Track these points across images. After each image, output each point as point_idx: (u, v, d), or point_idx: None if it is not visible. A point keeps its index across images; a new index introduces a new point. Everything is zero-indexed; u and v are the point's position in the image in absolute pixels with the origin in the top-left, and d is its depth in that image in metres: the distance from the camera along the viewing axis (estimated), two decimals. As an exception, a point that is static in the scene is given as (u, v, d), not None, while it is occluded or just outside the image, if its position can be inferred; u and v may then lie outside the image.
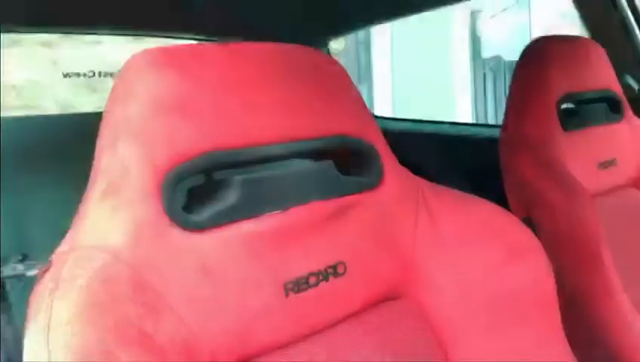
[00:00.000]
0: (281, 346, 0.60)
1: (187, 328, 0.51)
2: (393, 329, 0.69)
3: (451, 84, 6.09)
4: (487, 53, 6.22)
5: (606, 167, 1.22)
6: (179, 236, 0.54)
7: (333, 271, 0.64)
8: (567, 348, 0.73)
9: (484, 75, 6.35)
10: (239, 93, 0.60)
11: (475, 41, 6.37)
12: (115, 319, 0.46)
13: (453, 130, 2.07)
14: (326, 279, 0.64)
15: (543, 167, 1.05)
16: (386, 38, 6.17)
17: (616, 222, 1.20)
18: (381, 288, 0.70)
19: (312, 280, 0.62)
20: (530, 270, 0.74)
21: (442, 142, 1.99)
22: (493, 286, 0.74)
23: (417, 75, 6.02)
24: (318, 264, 0.63)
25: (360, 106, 0.72)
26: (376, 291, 0.70)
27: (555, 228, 1.00)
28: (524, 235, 0.76)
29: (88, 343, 0.43)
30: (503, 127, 1.15)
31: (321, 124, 0.67)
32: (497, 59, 6.15)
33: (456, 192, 0.79)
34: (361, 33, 5.87)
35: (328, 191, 0.66)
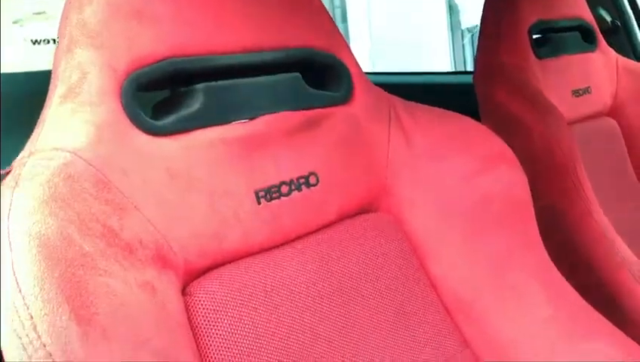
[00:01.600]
0: (255, 253, 0.60)
1: (156, 229, 0.51)
2: (368, 240, 0.69)
3: (429, 55, 6.02)
4: (466, 23, 6.14)
5: (580, 95, 1.22)
6: (142, 140, 0.53)
7: (305, 181, 0.64)
8: (545, 253, 0.74)
9: (463, 46, 6.30)
10: (200, 1, 0.59)
11: (453, 10, 6.28)
12: (78, 213, 0.45)
13: (431, 79, 2.07)
14: (298, 189, 0.63)
15: (518, 92, 1.05)
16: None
17: (591, 150, 1.20)
18: (355, 201, 0.70)
19: (284, 189, 0.62)
20: (504, 178, 0.74)
21: (422, 91, 1.98)
22: (467, 196, 0.74)
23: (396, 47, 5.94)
24: (289, 174, 0.63)
25: (327, 21, 0.71)
26: (351, 204, 0.69)
27: (532, 152, 1.00)
28: (497, 145, 0.76)
29: (49, 231, 0.42)
30: (477, 56, 1.15)
31: (286, 35, 0.66)
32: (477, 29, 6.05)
33: (428, 107, 0.79)
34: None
35: (297, 102, 0.65)
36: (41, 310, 0.38)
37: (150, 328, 0.44)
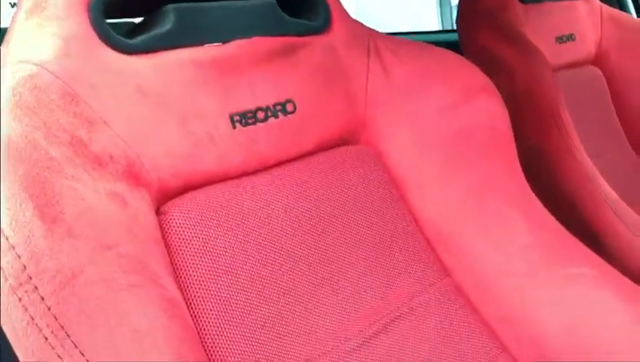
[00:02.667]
0: (231, 177, 0.59)
1: (127, 145, 0.50)
2: (348, 171, 0.68)
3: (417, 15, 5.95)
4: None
5: (564, 42, 1.21)
6: (111, 56, 0.52)
7: (282, 108, 0.63)
8: (525, 183, 0.73)
9: (451, 8, 6.23)
10: None
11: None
12: (44, 121, 0.44)
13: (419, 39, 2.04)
14: (275, 115, 0.62)
15: (501, 32, 1.04)
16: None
17: (575, 97, 1.20)
18: (334, 132, 0.69)
19: (260, 115, 0.61)
20: (483, 109, 0.74)
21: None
22: (447, 128, 0.73)
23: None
24: (265, 100, 0.62)
25: None
26: (329, 134, 0.69)
27: (515, 94, 1.00)
28: (476, 77, 0.76)
29: (13, 134, 0.41)
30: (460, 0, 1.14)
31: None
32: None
33: (408, 40, 0.78)
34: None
35: (272, 28, 0.64)
36: (3, 205, 0.37)
37: (120, 235, 0.44)
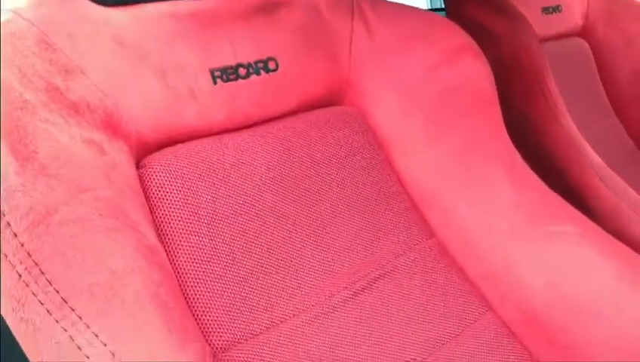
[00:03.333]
0: (212, 133, 0.59)
1: (104, 95, 0.49)
2: (333, 130, 0.68)
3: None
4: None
5: (550, 13, 1.21)
6: (88, 7, 0.51)
7: (264, 66, 0.63)
8: (509, 142, 0.73)
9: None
10: None
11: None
12: (19, 66, 0.43)
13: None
14: (257, 73, 0.62)
15: (487, 1, 1.03)
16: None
17: (562, 69, 1.20)
18: (318, 93, 0.69)
19: (242, 71, 0.61)
20: (468, 69, 0.74)
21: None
22: (431, 88, 0.73)
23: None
24: (247, 56, 0.61)
25: None
26: (313, 95, 0.68)
27: (501, 61, 1.00)
28: (460, 37, 0.75)
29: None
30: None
31: None
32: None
33: (393, 2, 0.78)
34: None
35: (252, -15, 0.64)
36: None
37: (98, 180, 0.43)
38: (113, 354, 0.37)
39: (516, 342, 0.66)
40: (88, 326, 0.37)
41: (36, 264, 0.37)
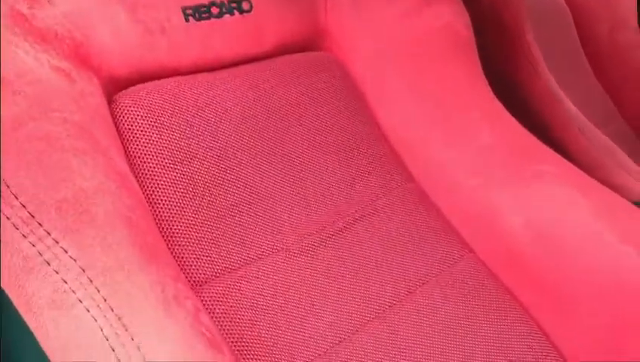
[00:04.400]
0: (184, 72, 0.58)
1: (74, 27, 0.48)
2: (311, 74, 0.67)
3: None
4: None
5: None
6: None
7: (237, 6, 0.62)
8: (487, 87, 0.73)
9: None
10: None
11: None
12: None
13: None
14: (230, 12, 0.61)
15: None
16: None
17: (539, 26, 1.19)
18: (295, 38, 0.68)
19: (214, 10, 0.60)
20: (445, 14, 0.73)
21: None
22: (408, 33, 0.72)
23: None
24: (219, -4, 0.61)
25: None
26: (290, 39, 0.68)
27: (481, 19, 0.99)
28: (437, -17, 0.75)
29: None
30: None
31: None
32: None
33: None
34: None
35: None
36: None
37: (67, 104, 0.43)
38: (83, 270, 0.37)
39: (496, 281, 0.66)
40: (57, 242, 0.37)
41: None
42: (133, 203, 0.43)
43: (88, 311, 0.36)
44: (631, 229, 0.62)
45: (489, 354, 0.60)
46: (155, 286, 0.38)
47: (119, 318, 0.36)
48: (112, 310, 0.36)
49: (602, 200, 0.66)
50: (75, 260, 0.37)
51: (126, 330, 0.36)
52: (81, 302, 0.36)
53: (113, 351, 0.35)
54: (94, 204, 0.39)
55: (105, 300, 0.36)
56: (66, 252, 0.37)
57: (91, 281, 0.36)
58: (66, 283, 0.36)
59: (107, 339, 0.35)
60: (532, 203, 0.66)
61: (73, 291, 0.36)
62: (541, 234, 0.65)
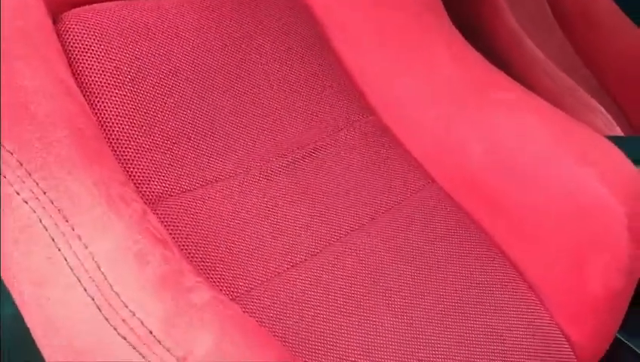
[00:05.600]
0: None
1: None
2: (270, 9, 0.66)
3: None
4: None
5: None
6: None
7: None
8: (448, 19, 0.73)
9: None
10: None
11: None
12: None
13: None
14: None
15: None
16: None
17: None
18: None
19: None
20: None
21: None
22: None
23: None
24: None
25: None
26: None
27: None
28: None
29: None
30: None
31: None
32: None
33: None
34: None
35: None
36: None
37: (6, 10, 0.41)
38: (21, 163, 0.36)
39: (458, 208, 0.66)
40: None
41: None
42: (77, 110, 0.42)
43: (26, 202, 0.35)
44: (589, 151, 0.63)
45: (450, 274, 0.60)
46: (99, 184, 0.38)
47: (59, 210, 0.35)
48: (52, 202, 0.35)
49: (561, 124, 0.66)
50: (11, 153, 0.36)
51: (66, 221, 0.35)
52: (18, 194, 0.35)
53: (53, 240, 0.34)
54: (33, 103, 0.38)
55: (44, 193, 0.35)
56: (3, 146, 0.36)
57: (30, 174, 0.36)
58: (4, 177, 0.35)
59: (47, 230, 0.34)
60: (492, 130, 0.66)
61: (11, 184, 0.35)
62: (501, 160, 0.65)
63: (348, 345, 0.50)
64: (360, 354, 0.50)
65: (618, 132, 0.88)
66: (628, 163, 0.63)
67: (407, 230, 0.62)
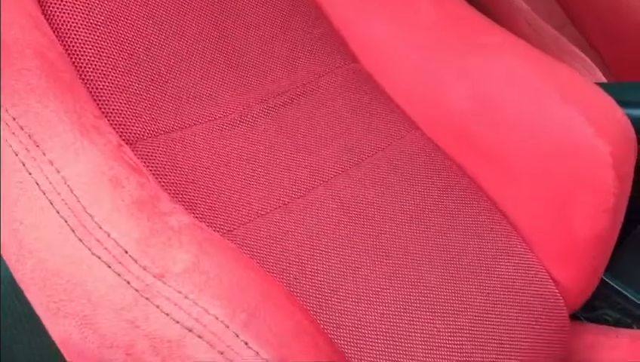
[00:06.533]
0: None
1: None
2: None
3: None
4: None
5: None
6: None
7: None
8: None
9: None
10: None
11: None
12: None
13: None
14: None
15: None
16: None
17: None
18: None
19: None
20: None
21: None
22: None
23: None
24: None
25: None
26: None
27: None
28: None
29: None
30: None
31: None
32: None
33: None
34: None
35: None
36: None
37: None
38: None
39: (443, 154, 0.66)
40: None
41: None
42: (46, 43, 0.41)
43: (-5, 128, 0.34)
44: (574, 90, 0.62)
45: (434, 217, 0.60)
46: (70, 113, 0.37)
47: (29, 136, 0.34)
48: (22, 128, 0.34)
49: (546, 65, 0.65)
50: None
51: (37, 146, 0.34)
52: None
53: (24, 165, 0.33)
54: (2, 31, 0.37)
55: (14, 119, 0.34)
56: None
57: (-3, 100, 0.34)
58: None
59: (17, 155, 0.33)
60: (477, 74, 0.65)
61: (-22, 110, 0.34)
62: (485, 103, 0.64)
63: (330, 282, 0.50)
64: (343, 291, 0.50)
65: (601, 78, 0.88)
66: (612, 102, 0.62)
67: (391, 175, 0.61)
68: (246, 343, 0.28)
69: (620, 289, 0.69)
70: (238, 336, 0.28)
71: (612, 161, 0.59)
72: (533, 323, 0.59)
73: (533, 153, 0.63)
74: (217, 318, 0.28)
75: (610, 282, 0.70)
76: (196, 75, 0.55)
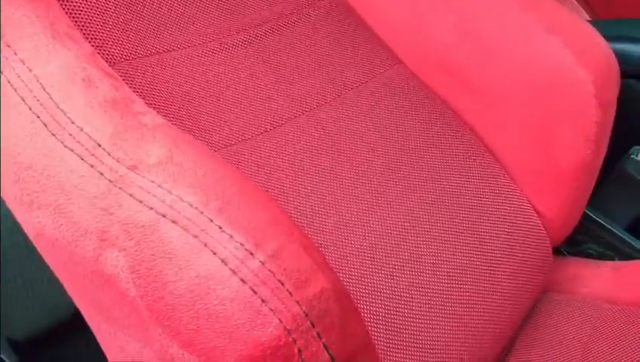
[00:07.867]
0: None
1: None
2: None
3: None
4: None
5: None
6: None
7: None
8: None
9: None
10: None
11: None
12: None
13: None
14: None
15: None
16: None
17: None
18: None
19: None
20: None
21: None
22: None
23: None
24: None
25: None
26: None
27: None
28: None
29: None
30: None
31: None
32: None
33: None
34: None
35: None
36: None
37: None
38: None
39: (425, 86, 0.65)
40: None
41: None
42: None
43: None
44: (557, 20, 0.62)
45: (417, 146, 0.60)
46: (42, 18, 0.36)
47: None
48: (-9, 29, 0.34)
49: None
50: None
51: (8, 46, 0.33)
52: None
53: (-6, 64, 0.33)
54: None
55: None
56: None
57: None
58: None
59: None
60: (461, 6, 0.65)
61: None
62: (469, 34, 0.64)
63: (312, 205, 0.50)
64: (325, 213, 0.50)
65: (585, 16, 0.87)
66: (595, 33, 0.62)
67: (375, 107, 0.61)
68: (220, 227, 0.28)
69: (603, 222, 0.70)
70: (212, 221, 0.28)
71: (594, 90, 0.59)
72: (517, 252, 0.60)
73: (517, 85, 0.63)
74: (192, 205, 0.28)
75: (593, 216, 0.70)
76: (174, 0, 0.54)
